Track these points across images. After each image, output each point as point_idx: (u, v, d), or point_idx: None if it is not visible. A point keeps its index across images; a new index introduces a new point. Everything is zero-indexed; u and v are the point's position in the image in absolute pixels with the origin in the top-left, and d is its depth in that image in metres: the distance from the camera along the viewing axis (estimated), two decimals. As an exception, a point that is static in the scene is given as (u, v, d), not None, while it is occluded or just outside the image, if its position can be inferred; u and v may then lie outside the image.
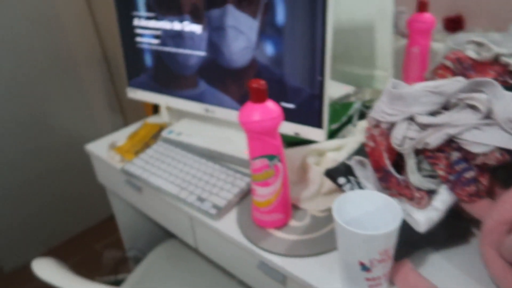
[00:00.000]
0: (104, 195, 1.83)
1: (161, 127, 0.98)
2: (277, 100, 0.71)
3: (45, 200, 1.62)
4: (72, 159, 1.63)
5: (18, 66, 1.39)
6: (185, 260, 1.02)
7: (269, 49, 0.72)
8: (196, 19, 0.79)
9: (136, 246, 1.15)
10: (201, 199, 0.72)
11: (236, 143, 0.84)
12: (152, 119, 1.05)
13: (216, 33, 0.78)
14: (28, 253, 1.63)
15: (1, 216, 1.51)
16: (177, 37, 0.84)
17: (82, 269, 1.63)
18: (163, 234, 1.22)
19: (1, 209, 1.51)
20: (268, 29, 0.71)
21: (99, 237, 1.74)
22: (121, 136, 0.99)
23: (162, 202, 0.81)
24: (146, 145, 0.92)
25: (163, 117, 0.93)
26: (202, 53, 0.81)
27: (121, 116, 1.74)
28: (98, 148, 0.95)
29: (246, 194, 0.73)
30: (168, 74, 0.89)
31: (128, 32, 0.91)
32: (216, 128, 0.91)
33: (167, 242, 1.11)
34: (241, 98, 0.80)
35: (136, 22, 0.89)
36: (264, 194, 0.61)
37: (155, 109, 1.20)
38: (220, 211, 0.69)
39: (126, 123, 1.76)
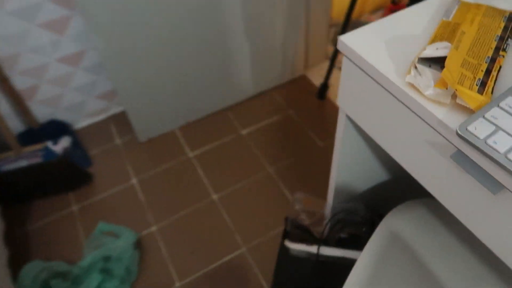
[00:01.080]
0: (252, 69, 1.38)
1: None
2: None
3: (192, 73, 1.23)
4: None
5: None
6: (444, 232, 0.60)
7: None
8: None
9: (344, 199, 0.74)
10: None
11: None
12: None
13: None
14: (166, 125, 1.35)
15: (151, 86, 1.17)
16: None
17: (223, 151, 1.33)
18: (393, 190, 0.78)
19: (153, 80, 1.15)
20: None
21: (244, 123, 1.37)
22: (403, 27, 0.47)
23: None
24: (495, 66, 0.40)
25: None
26: None
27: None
28: (357, 44, 0.46)
29: None
30: None
31: None
32: None
33: (406, 204, 0.68)
34: None
35: None
36: None
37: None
38: None
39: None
